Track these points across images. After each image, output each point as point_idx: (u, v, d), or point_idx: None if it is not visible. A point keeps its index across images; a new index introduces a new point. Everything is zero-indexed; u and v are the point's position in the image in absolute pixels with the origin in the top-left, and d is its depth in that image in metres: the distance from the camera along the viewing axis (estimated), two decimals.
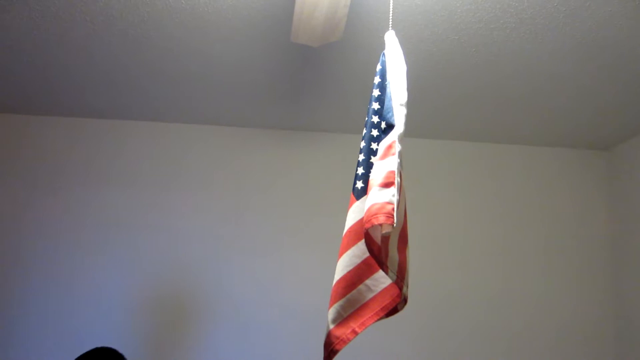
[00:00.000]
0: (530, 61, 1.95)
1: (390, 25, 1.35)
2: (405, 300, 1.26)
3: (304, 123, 2.61)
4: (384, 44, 1.34)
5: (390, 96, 1.25)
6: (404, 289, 1.23)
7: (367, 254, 1.25)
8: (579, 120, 2.40)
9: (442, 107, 2.36)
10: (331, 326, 1.28)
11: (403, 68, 1.28)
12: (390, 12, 1.36)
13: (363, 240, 1.24)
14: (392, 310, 1.28)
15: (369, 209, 1.14)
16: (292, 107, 2.43)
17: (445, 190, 2.66)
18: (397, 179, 1.15)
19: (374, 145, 1.29)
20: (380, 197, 1.13)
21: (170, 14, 1.77)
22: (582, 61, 1.93)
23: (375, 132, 1.29)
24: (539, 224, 2.63)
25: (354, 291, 1.29)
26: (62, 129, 2.59)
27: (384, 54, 1.33)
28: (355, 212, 1.28)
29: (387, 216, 1.10)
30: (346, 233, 1.30)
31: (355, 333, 1.27)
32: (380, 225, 1.15)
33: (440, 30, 1.80)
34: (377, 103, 1.31)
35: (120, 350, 1.81)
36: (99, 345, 1.81)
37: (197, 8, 1.74)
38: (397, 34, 1.34)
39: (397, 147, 1.19)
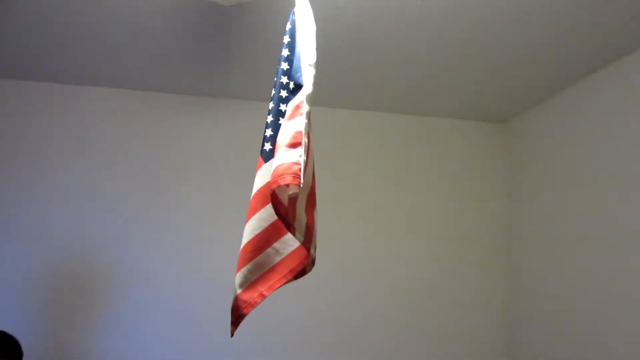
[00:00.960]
0: (438, 31, 1.99)
1: None
2: (313, 262, 1.27)
3: (214, 89, 2.52)
4: (294, 3, 1.30)
5: (300, 56, 1.23)
6: (312, 250, 1.24)
7: (275, 217, 1.23)
8: (477, 92, 2.53)
9: (349, 76, 2.37)
10: (238, 291, 1.26)
11: (312, 28, 1.26)
12: None
13: (271, 203, 1.22)
14: (300, 272, 1.28)
15: (275, 170, 1.11)
16: (201, 71, 2.33)
17: (353, 159, 2.70)
18: (304, 140, 1.13)
19: (282, 107, 1.26)
20: (287, 158, 1.11)
21: None
22: (486, 35, 2.01)
23: (284, 93, 1.26)
24: (442, 193, 2.76)
25: (262, 255, 1.27)
26: None
27: (293, 12, 1.30)
28: (263, 175, 1.25)
29: (294, 176, 1.09)
30: (254, 196, 1.27)
31: (263, 296, 1.25)
32: (287, 186, 1.13)
33: None
34: (287, 63, 1.28)
35: (14, 330, 1.69)
36: None
37: None
38: None
39: (305, 108, 1.17)
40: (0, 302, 2.21)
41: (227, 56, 2.18)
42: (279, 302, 2.03)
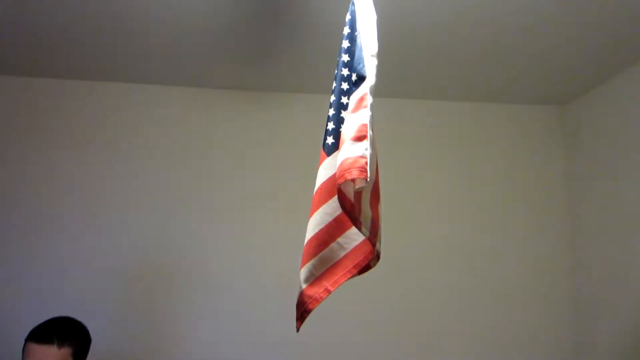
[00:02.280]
0: (491, 18, 1.92)
1: None
2: (378, 257, 1.25)
3: (270, 83, 2.52)
4: None
5: (361, 47, 1.20)
6: (377, 245, 1.22)
7: (339, 212, 1.22)
8: (534, 76, 2.42)
9: (400, 65, 2.32)
10: (303, 286, 1.26)
11: (373, 17, 1.23)
12: None
13: (335, 198, 1.21)
14: (365, 267, 1.26)
15: (341, 164, 1.10)
16: (256, 66, 2.33)
17: (401, 148, 2.64)
18: (369, 132, 1.11)
19: (344, 99, 1.24)
20: (353, 151, 1.10)
21: None
22: (540, 18, 1.92)
23: (345, 86, 1.24)
24: (498, 181, 2.67)
25: (326, 250, 1.26)
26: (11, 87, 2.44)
27: (353, 2, 1.27)
28: (327, 169, 1.24)
29: (361, 170, 1.07)
30: (317, 191, 1.26)
31: (328, 292, 1.25)
32: (353, 180, 1.11)
33: None
34: (347, 55, 1.26)
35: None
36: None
37: None
38: None
39: (369, 100, 1.15)
40: (76, 294, 2.31)
41: (278, 50, 2.18)
42: (343, 298, 2.01)
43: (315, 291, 1.25)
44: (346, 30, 1.27)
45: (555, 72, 2.38)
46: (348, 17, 1.28)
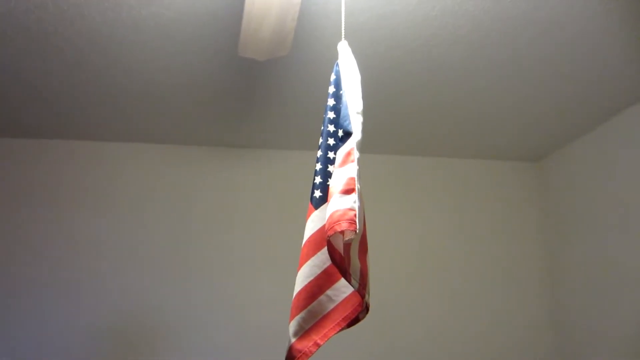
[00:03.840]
0: (465, 76, 2.05)
1: (343, 36, 1.37)
2: (367, 309, 1.25)
3: (255, 140, 2.58)
4: (333, 58, 1.36)
5: (347, 104, 1.26)
6: (366, 296, 1.23)
7: (328, 264, 1.23)
8: (509, 132, 2.55)
9: (382, 122, 2.42)
10: (293, 340, 1.25)
11: (357, 77, 1.30)
12: (343, 24, 1.38)
13: (323, 250, 1.23)
14: (354, 320, 1.26)
15: (330, 216, 1.12)
16: (241, 124, 2.40)
17: (380, 203, 2.69)
18: (357, 185, 1.15)
19: (330, 154, 1.29)
20: (341, 204, 1.13)
21: (109, 29, 1.70)
22: (513, 76, 2.05)
23: (332, 141, 1.29)
24: (475, 235, 2.73)
25: (315, 302, 1.26)
26: None
27: (337, 63, 1.34)
28: (315, 222, 1.26)
29: (350, 222, 1.10)
30: (305, 243, 1.27)
31: (317, 345, 1.24)
32: (342, 232, 1.14)
33: (383, 48, 1.86)
34: (333, 112, 1.32)
35: None
36: None
37: (139, 23, 1.68)
38: None
39: (356, 154, 1.19)
40: (59, 355, 2.23)
41: (261, 107, 2.25)
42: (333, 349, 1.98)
43: (305, 345, 1.24)
44: (331, 89, 1.33)
45: (529, 129, 2.50)
46: (333, 76, 1.35)
